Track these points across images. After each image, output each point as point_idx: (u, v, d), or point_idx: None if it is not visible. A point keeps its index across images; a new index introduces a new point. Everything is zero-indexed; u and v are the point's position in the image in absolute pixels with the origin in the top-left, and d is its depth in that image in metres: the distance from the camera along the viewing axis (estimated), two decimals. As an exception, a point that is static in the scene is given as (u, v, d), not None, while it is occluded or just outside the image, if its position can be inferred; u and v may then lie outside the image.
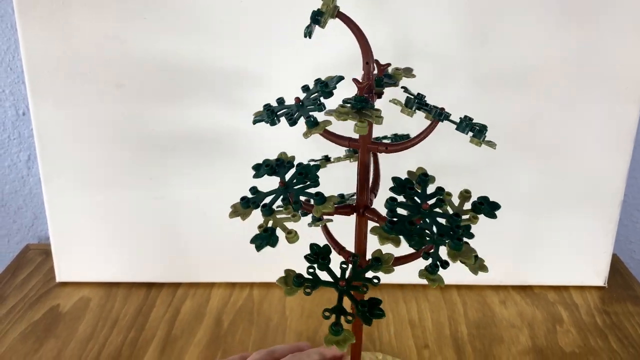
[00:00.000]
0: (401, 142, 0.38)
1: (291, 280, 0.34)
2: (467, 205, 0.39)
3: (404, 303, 0.66)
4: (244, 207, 0.37)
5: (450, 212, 0.36)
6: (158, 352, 0.58)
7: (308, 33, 0.35)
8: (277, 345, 0.51)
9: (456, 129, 0.36)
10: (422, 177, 0.38)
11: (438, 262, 0.34)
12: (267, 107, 0.38)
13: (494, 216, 0.37)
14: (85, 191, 0.65)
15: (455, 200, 0.39)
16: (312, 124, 0.34)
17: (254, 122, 0.38)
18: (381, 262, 0.36)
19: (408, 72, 0.42)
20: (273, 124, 0.37)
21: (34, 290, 0.68)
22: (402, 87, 0.40)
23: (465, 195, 0.39)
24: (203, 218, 0.65)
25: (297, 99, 0.37)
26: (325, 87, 0.36)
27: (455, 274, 0.68)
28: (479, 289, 0.68)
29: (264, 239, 0.34)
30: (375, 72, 0.39)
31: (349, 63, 0.52)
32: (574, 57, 0.58)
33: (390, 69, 0.42)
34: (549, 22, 0.56)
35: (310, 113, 0.35)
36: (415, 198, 0.37)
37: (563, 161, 0.63)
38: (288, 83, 0.59)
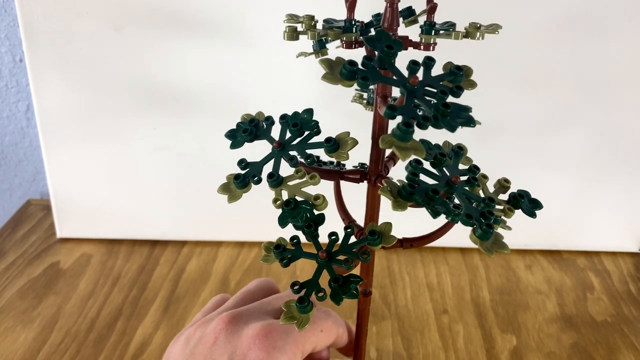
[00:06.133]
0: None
1: (272, 248, 0.29)
2: (502, 197, 0.32)
3: (422, 266, 0.62)
4: (239, 186, 0.29)
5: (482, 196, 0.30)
6: (161, 311, 0.55)
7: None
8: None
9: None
10: (457, 149, 0.32)
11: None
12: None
13: (533, 215, 0.30)
14: (85, 143, 0.61)
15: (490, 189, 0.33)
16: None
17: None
18: (379, 236, 0.28)
19: (492, 29, 0.31)
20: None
21: (34, 246, 0.65)
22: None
23: (504, 184, 0.32)
24: (210, 172, 0.61)
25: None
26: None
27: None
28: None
29: (290, 215, 0.27)
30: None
31: None
32: (626, 6, 0.52)
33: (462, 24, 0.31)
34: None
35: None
36: (445, 170, 0.31)
37: (600, 121, 0.57)
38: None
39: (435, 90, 0.23)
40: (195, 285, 0.58)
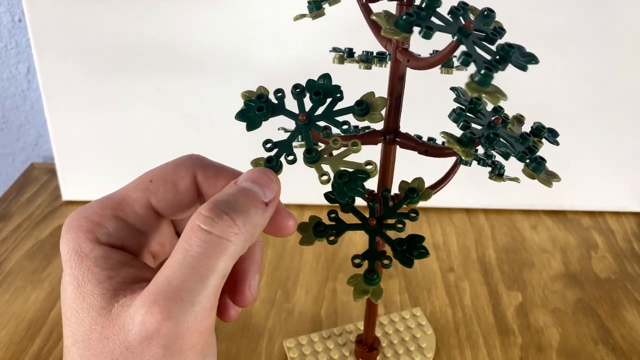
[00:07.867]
0: (425, 58, 0.29)
1: (311, 228, 0.28)
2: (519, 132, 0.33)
3: (428, 226, 0.62)
4: (274, 170, 0.28)
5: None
6: (170, 271, 0.55)
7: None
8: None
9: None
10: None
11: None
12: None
13: (557, 143, 0.31)
14: (89, 105, 0.60)
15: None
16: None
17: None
18: (417, 192, 0.29)
19: None
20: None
21: (40, 209, 0.65)
22: None
23: (520, 119, 0.33)
24: (216, 134, 0.61)
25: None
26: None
27: (482, 197, 0.65)
28: (507, 212, 0.64)
29: (348, 188, 0.26)
30: None
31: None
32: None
33: None
34: None
35: None
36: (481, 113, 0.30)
37: (605, 80, 0.57)
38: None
39: (484, 33, 0.23)
40: (203, 246, 0.59)
